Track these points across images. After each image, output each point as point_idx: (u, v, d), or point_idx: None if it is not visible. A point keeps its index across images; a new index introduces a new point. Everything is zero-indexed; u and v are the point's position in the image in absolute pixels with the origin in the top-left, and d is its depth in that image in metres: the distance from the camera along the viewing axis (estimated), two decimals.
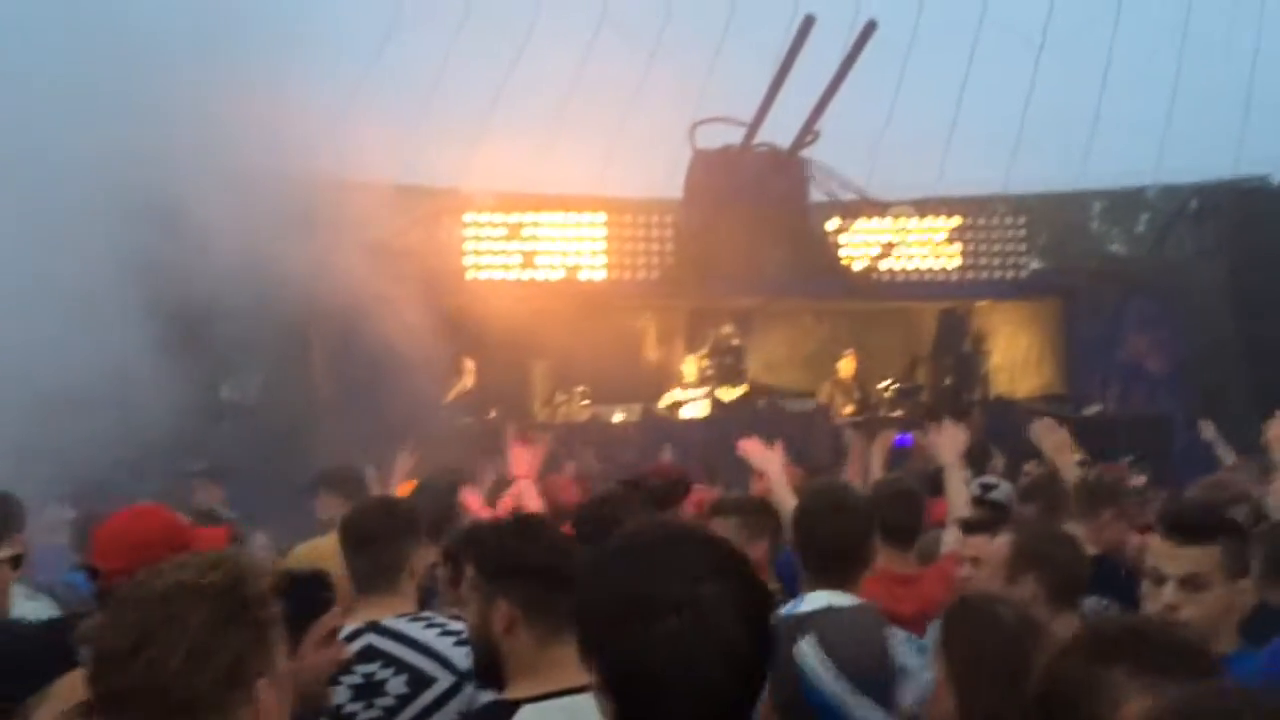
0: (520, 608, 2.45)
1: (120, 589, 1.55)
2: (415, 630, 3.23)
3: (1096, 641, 1.61)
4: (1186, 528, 2.72)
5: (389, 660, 3.15)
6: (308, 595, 2.63)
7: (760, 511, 4.05)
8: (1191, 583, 2.62)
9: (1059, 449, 4.95)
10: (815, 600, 2.16)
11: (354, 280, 9.34)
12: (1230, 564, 2.67)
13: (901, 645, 2.89)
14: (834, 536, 2.87)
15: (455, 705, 3.06)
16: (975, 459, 6.79)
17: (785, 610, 2.12)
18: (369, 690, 3.11)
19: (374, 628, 3.22)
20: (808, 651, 2.05)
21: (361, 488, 5.43)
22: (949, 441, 4.62)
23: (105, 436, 6.86)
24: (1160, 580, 2.67)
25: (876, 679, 2.05)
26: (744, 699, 1.51)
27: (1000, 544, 3.25)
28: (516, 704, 2.36)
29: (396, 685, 3.13)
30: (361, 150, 10.02)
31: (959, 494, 4.46)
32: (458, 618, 3.56)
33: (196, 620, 1.47)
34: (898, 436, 7.77)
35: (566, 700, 2.31)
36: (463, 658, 3.12)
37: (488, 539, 2.64)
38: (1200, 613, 2.59)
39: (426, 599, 3.76)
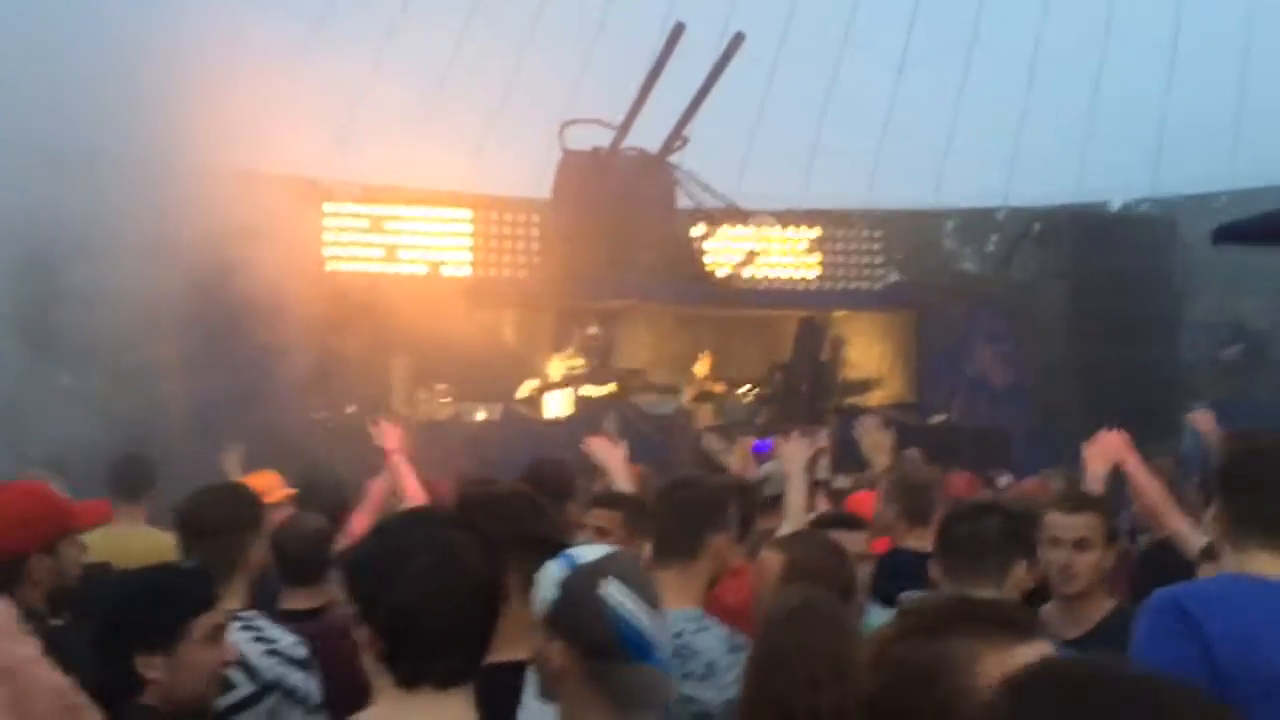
0: (523, 577, 2.44)
1: None
2: (267, 624, 3.15)
3: (924, 618, 1.63)
4: (1077, 500, 3.56)
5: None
6: (186, 592, 2.60)
7: (640, 508, 4.07)
8: (1080, 545, 3.36)
9: (876, 448, 5.18)
10: (594, 550, 2.22)
11: (204, 267, 9.04)
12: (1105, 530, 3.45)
13: (716, 639, 3.03)
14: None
15: (249, 716, 2.95)
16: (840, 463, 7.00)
17: (560, 561, 2.15)
18: None
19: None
20: (617, 591, 2.07)
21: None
22: (795, 451, 4.74)
23: None
24: (1057, 544, 3.38)
25: (657, 603, 2.14)
26: (486, 621, 1.95)
27: (770, 559, 3.32)
28: (520, 664, 2.39)
29: None
30: (217, 136, 9.70)
31: (798, 502, 4.58)
32: (297, 614, 3.48)
33: None
34: (756, 442, 7.93)
35: None
36: (271, 667, 3.03)
37: (484, 504, 2.68)
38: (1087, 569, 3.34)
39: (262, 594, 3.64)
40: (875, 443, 5.22)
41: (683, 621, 3.01)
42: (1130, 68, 16.30)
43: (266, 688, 3.00)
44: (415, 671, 1.89)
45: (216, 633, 2.60)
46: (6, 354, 7.35)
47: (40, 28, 8.46)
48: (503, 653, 2.46)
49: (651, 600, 2.11)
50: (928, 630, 1.59)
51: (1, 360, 7.26)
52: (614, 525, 3.90)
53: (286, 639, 3.11)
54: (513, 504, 2.73)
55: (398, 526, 2.10)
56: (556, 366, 12.48)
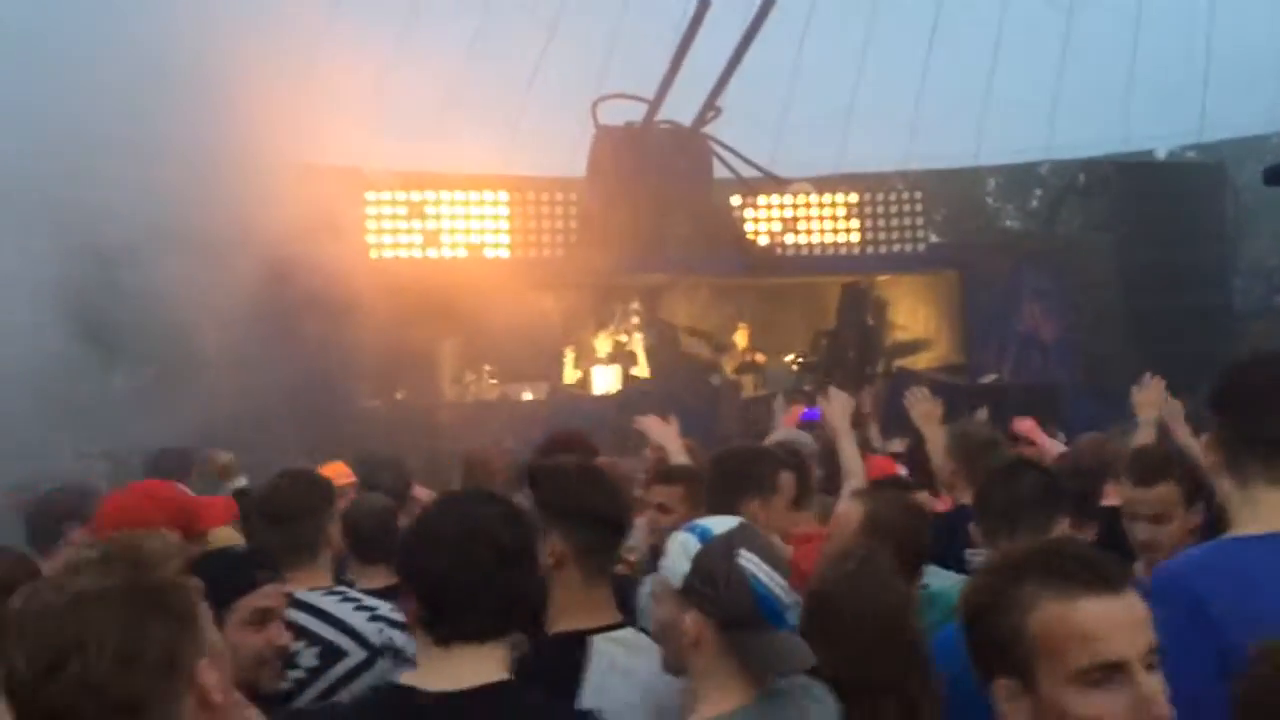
0: (571, 547, 2.55)
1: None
2: (329, 604, 3.23)
3: (1006, 561, 1.70)
4: (1150, 470, 3.36)
5: (301, 633, 3.11)
6: (225, 576, 2.58)
7: (702, 482, 4.09)
8: (1158, 519, 3.25)
9: (926, 418, 5.14)
10: (723, 521, 2.21)
11: (257, 261, 9.16)
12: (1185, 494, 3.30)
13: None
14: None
15: (368, 679, 3.06)
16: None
17: (691, 533, 2.17)
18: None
19: (288, 601, 3.16)
20: (753, 563, 2.11)
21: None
22: (838, 408, 4.72)
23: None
24: (1135, 519, 3.28)
25: (786, 572, 2.17)
26: (514, 585, 2.12)
27: (850, 511, 3.33)
28: (583, 634, 2.49)
29: (308, 658, 3.11)
30: (264, 129, 9.80)
31: (852, 460, 4.55)
32: (372, 592, 3.56)
33: (111, 626, 1.41)
34: (805, 410, 7.92)
35: (620, 633, 2.54)
36: (375, 633, 3.15)
37: (552, 478, 2.72)
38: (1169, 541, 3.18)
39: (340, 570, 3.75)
40: (925, 413, 5.17)
41: None
42: (1171, 8, 15.92)
43: (378, 652, 3.11)
44: (448, 632, 2.08)
45: (260, 616, 2.59)
46: (67, 350, 7.50)
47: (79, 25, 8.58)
48: (563, 623, 2.54)
49: (782, 569, 2.15)
50: (1007, 572, 1.66)
51: (62, 356, 7.41)
52: (675, 500, 3.94)
53: (385, 605, 3.22)
54: (574, 478, 2.74)
55: (434, 507, 2.31)
56: (602, 343, 12.51)
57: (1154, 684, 1.59)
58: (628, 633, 2.59)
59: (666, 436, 4.84)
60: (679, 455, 4.69)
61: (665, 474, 4.23)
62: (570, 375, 12.34)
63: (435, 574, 2.09)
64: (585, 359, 12.55)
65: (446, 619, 2.08)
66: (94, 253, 7.95)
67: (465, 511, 2.19)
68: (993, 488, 3.22)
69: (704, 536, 2.17)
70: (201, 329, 9.41)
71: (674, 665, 2.21)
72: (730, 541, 2.15)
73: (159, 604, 1.46)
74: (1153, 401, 4.51)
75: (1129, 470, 3.43)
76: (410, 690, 2.06)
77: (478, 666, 2.07)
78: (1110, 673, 1.58)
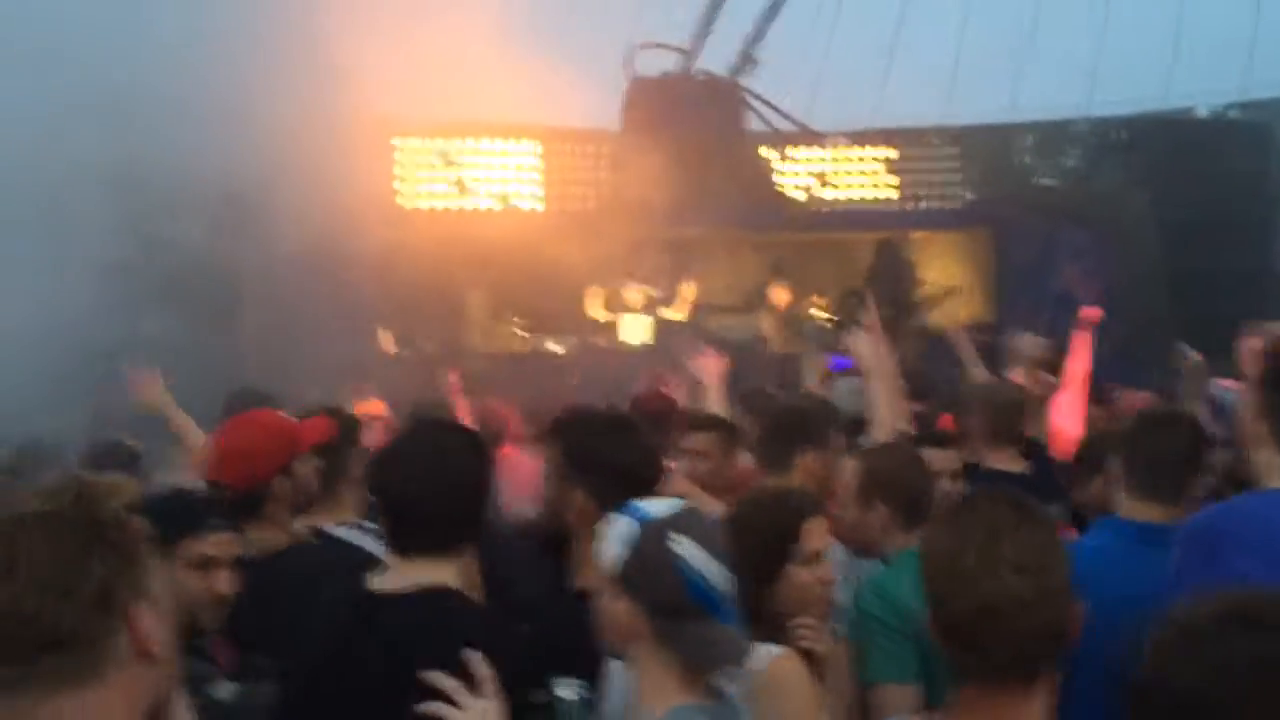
0: (596, 501, 2.48)
1: None
2: (354, 537, 3.31)
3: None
4: None
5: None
6: (174, 515, 2.59)
7: (733, 430, 4.11)
8: None
9: (973, 360, 5.16)
10: (662, 504, 2.08)
11: (281, 209, 9.12)
12: None
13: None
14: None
15: None
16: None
17: (627, 515, 2.04)
18: None
19: (318, 534, 3.32)
20: (687, 548, 1.98)
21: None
22: (865, 346, 4.35)
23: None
24: None
25: (726, 559, 2.03)
26: (469, 504, 2.37)
27: (849, 468, 3.27)
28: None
29: None
30: (290, 76, 9.71)
31: (879, 401, 4.22)
32: None
33: (48, 552, 1.34)
34: (834, 359, 7.87)
35: None
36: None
37: (577, 429, 2.70)
38: None
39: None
40: (972, 355, 5.11)
41: None
42: None
43: None
44: (409, 543, 2.31)
45: (203, 561, 2.58)
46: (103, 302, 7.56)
47: None
48: (584, 580, 2.45)
49: (721, 555, 2.01)
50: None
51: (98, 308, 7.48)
52: (709, 447, 3.95)
53: None
54: (602, 429, 2.69)
55: (405, 433, 2.65)
56: (635, 294, 12.40)
57: None
58: None
59: (715, 378, 4.83)
60: (717, 399, 4.71)
61: (699, 421, 4.19)
62: (599, 318, 12.17)
63: (401, 492, 2.34)
64: (615, 306, 12.43)
65: (405, 533, 2.32)
66: (136, 203, 7.96)
67: (432, 438, 2.46)
68: (1143, 438, 3.02)
69: (639, 519, 2.03)
70: (241, 277, 9.45)
71: (614, 651, 2.12)
72: (665, 525, 2.00)
73: (99, 537, 1.39)
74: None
75: None
76: (369, 591, 2.30)
77: (432, 573, 2.27)
78: None
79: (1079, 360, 5.73)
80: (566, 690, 2.13)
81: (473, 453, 2.42)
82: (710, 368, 4.88)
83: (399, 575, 2.29)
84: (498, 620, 2.35)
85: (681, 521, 2.02)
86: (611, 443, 2.63)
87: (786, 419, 3.82)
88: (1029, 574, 1.70)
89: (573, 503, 2.56)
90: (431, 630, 2.18)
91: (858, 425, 4.65)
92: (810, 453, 3.65)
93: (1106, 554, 2.74)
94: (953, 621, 1.73)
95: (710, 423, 4.16)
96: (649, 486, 2.57)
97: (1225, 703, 1.35)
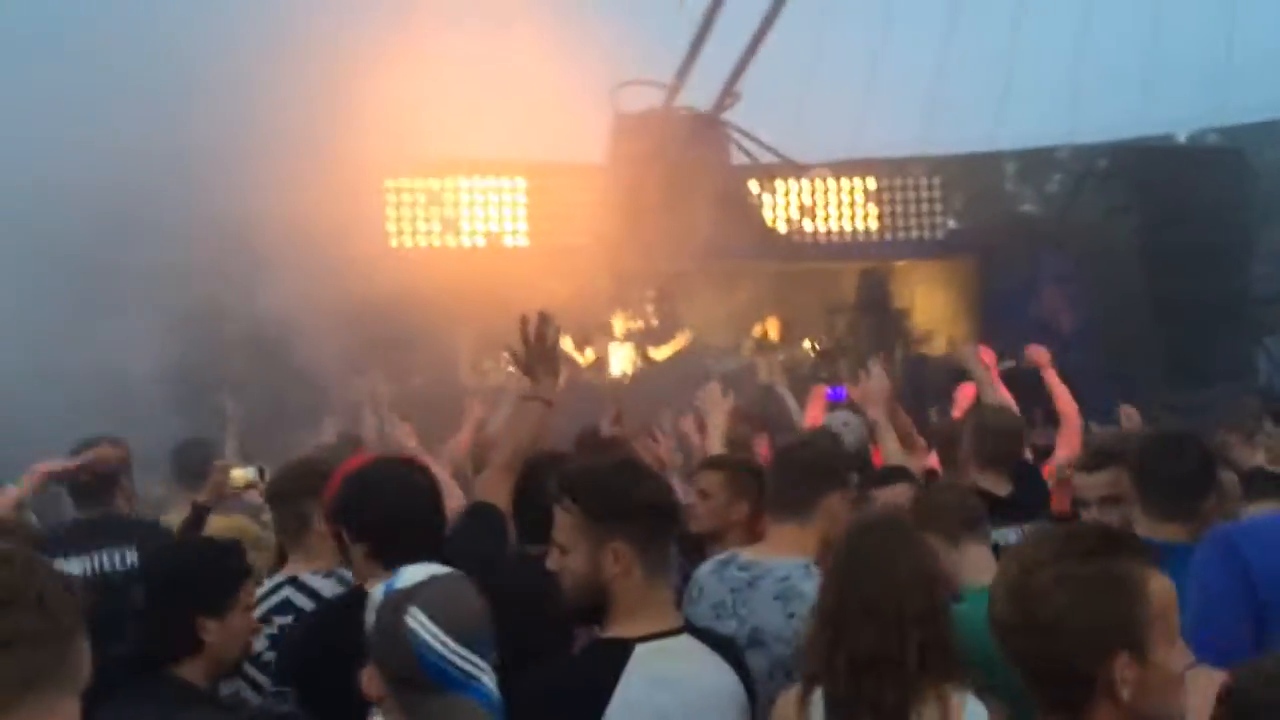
0: (635, 547, 2.48)
1: None
2: (327, 587, 3.46)
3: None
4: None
5: (300, 615, 3.38)
6: (237, 563, 2.95)
7: (749, 472, 4.04)
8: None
9: (984, 381, 5.47)
10: (414, 573, 2.16)
11: (277, 248, 9.20)
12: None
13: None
14: None
15: None
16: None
17: (383, 589, 2.14)
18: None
19: (292, 582, 3.51)
20: (422, 623, 2.05)
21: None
22: (875, 392, 4.76)
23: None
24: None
25: (478, 635, 2.09)
26: (434, 524, 2.97)
27: (899, 494, 3.43)
28: (627, 642, 2.43)
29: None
30: (277, 118, 9.80)
31: (893, 446, 4.61)
32: None
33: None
34: (829, 390, 7.96)
35: (671, 641, 2.48)
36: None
37: (595, 482, 2.60)
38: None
39: None
40: (983, 373, 5.27)
41: (792, 569, 3.21)
42: None
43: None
44: (396, 558, 2.42)
45: (252, 601, 2.97)
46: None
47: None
48: (615, 628, 2.49)
49: (464, 630, 2.06)
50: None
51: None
52: (716, 488, 3.97)
53: None
54: (615, 477, 2.62)
55: (369, 469, 3.04)
56: (619, 324, 12.51)
57: None
58: (681, 640, 2.51)
59: (718, 410, 4.90)
60: (716, 435, 4.79)
61: (711, 460, 4.28)
62: (576, 359, 12.29)
63: (382, 517, 2.83)
64: (602, 340, 12.53)
65: (393, 548, 2.66)
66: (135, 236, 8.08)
67: (396, 471, 3.03)
68: (1157, 461, 3.24)
69: (387, 590, 2.11)
70: (215, 315, 9.53)
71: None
72: (404, 598, 2.07)
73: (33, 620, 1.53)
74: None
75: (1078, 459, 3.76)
76: (365, 593, 2.33)
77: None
78: None
79: (1062, 400, 5.90)
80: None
81: (428, 477, 3.04)
82: (712, 396, 4.98)
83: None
84: None
85: (423, 594, 2.07)
86: (631, 484, 2.58)
87: (814, 462, 3.58)
88: None
89: (613, 555, 2.52)
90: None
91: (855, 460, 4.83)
92: (835, 494, 3.52)
93: None
94: None
95: (719, 462, 4.20)
96: (675, 516, 2.71)
97: None
